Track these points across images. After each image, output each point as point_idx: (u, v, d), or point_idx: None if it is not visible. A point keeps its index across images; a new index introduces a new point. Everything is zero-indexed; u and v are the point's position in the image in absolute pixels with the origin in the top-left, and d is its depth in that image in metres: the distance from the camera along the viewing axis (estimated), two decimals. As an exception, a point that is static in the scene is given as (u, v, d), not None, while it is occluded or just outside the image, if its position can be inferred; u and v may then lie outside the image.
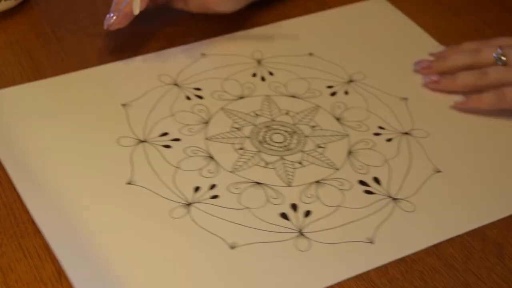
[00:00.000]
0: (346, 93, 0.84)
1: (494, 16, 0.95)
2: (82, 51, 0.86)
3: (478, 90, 0.80)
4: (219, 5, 0.84)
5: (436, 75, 0.83)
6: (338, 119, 0.80)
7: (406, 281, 0.66)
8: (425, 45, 0.90)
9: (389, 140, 0.79)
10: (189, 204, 0.71)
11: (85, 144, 0.75)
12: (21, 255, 0.66)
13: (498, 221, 0.71)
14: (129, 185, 0.72)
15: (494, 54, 0.81)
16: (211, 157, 0.75)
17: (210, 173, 0.73)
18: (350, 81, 0.85)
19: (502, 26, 0.92)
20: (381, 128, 0.80)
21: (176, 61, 0.85)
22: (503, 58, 0.81)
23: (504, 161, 0.77)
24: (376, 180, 0.74)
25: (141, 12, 0.81)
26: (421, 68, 0.84)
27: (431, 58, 0.86)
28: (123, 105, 0.80)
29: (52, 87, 0.81)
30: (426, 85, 0.83)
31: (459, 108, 0.80)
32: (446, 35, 0.91)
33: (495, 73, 0.80)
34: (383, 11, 0.95)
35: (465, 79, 0.81)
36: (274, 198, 0.72)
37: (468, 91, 0.81)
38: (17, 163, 0.73)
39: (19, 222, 0.69)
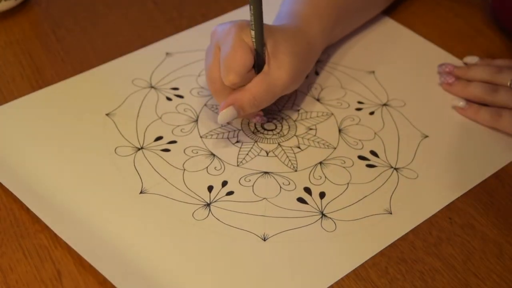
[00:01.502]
0: (317, 73, 0.85)
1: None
2: (82, 51, 0.85)
3: (484, 103, 0.81)
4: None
5: (452, 78, 0.84)
6: (318, 100, 0.82)
7: (406, 281, 0.67)
8: (385, 25, 0.93)
9: (371, 113, 0.81)
10: (208, 205, 0.71)
11: (84, 159, 0.74)
12: (21, 255, 0.66)
13: (498, 220, 0.72)
14: (143, 194, 0.71)
15: (511, 79, 0.81)
16: (213, 154, 0.75)
17: (217, 170, 0.74)
18: (318, 61, 0.87)
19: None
20: (360, 102, 0.82)
21: (143, 63, 0.84)
22: None
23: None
24: (373, 153, 0.77)
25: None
26: (443, 70, 0.85)
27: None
28: (107, 114, 0.78)
29: (31, 104, 0.79)
30: (440, 84, 0.84)
31: (458, 112, 0.81)
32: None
33: (503, 94, 0.80)
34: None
35: (476, 90, 0.81)
36: (287, 185, 0.73)
37: (476, 101, 0.82)
38: (23, 187, 0.70)
39: (19, 222, 0.68)
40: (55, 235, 0.67)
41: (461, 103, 0.81)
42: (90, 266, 0.65)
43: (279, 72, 0.73)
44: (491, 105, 0.80)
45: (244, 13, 0.91)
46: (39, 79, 0.82)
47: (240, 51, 0.71)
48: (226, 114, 0.72)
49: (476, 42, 0.91)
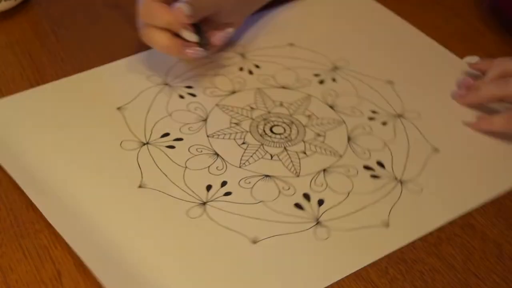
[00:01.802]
0: (334, 80, 0.85)
1: None
2: (82, 51, 0.85)
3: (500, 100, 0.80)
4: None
5: (464, 89, 0.82)
6: (331, 107, 0.81)
7: (406, 281, 0.66)
8: (404, 32, 0.92)
9: (384, 123, 0.80)
10: (204, 203, 0.71)
11: (89, 150, 0.74)
12: (21, 255, 0.66)
13: (498, 220, 0.72)
14: (141, 188, 0.71)
15: None
16: (217, 154, 0.75)
17: (219, 170, 0.74)
18: (335, 68, 0.86)
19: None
20: (374, 112, 0.81)
21: (161, 61, 0.84)
22: None
23: (499, 134, 0.80)
24: (380, 164, 0.76)
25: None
26: (463, 85, 0.83)
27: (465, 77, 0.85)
28: (119, 108, 0.79)
29: (44, 95, 0.80)
30: (454, 98, 0.83)
31: (472, 128, 0.80)
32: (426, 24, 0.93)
33: None
34: (359, 2, 0.96)
35: (488, 90, 0.79)
36: (286, 190, 0.72)
37: (491, 102, 0.81)
38: (26, 175, 0.72)
39: (19, 222, 0.68)
40: (55, 235, 0.67)
41: (461, 92, 0.81)
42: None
43: None
44: (506, 101, 0.79)
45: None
46: (39, 79, 0.82)
47: None
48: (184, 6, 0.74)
49: (477, 42, 0.91)
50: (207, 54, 0.79)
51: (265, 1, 0.87)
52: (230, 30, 0.80)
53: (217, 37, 0.79)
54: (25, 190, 0.70)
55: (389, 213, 0.71)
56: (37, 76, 0.82)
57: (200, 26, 0.78)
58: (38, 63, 0.84)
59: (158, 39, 0.76)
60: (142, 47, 0.84)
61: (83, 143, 0.75)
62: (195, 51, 0.78)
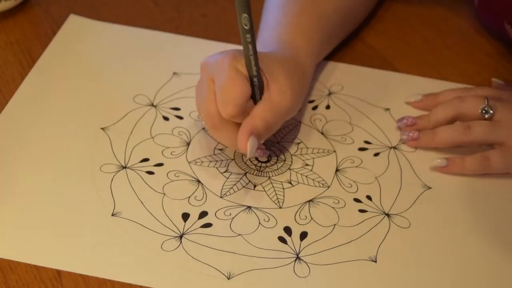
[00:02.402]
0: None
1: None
2: None
3: (460, 145, 0.75)
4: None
5: (415, 131, 0.76)
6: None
7: None
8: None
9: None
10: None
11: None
12: None
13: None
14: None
15: (481, 106, 0.74)
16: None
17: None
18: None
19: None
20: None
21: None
22: (490, 111, 0.74)
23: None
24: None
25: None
26: (404, 125, 0.77)
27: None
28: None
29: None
30: (404, 142, 0.77)
31: (441, 172, 0.75)
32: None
33: (480, 129, 0.73)
34: None
35: (447, 135, 0.75)
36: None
37: (450, 147, 0.76)
38: None
39: None
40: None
41: (441, 161, 0.75)
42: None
43: (281, 96, 0.70)
44: (468, 146, 0.75)
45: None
46: None
47: (237, 81, 0.68)
48: (251, 144, 0.69)
49: (477, 42, 0.90)
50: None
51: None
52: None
53: (259, 152, 0.76)
54: None
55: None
56: (37, 76, 0.81)
57: None
58: None
59: (228, 134, 0.71)
60: None
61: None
62: (263, 152, 0.75)
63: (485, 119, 0.74)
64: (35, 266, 0.65)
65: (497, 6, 0.86)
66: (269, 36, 0.78)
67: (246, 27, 0.67)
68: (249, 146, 0.68)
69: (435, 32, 0.91)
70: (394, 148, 0.77)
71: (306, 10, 0.81)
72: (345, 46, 0.88)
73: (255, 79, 0.70)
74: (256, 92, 0.70)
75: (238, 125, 0.70)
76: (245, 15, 0.66)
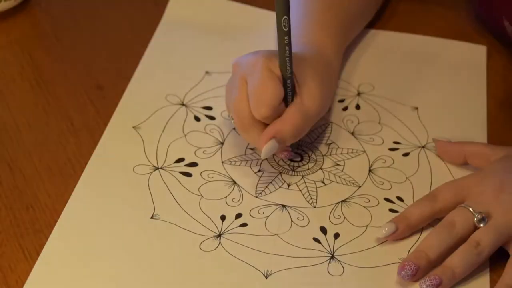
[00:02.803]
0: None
1: None
2: (82, 51, 0.85)
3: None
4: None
5: (436, 277, 0.65)
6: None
7: None
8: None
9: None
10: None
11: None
12: (21, 255, 0.66)
13: None
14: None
15: (473, 219, 0.68)
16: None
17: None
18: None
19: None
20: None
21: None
22: (485, 217, 0.68)
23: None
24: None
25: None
26: (409, 276, 0.66)
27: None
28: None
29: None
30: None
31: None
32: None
33: (487, 240, 0.67)
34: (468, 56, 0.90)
35: (463, 262, 0.66)
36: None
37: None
38: None
39: (19, 222, 0.68)
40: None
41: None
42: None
43: (311, 101, 0.71)
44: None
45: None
46: (39, 79, 0.81)
47: (271, 82, 0.69)
48: (270, 147, 0.70)
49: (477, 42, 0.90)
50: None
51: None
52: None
53: (285, 154, 0.74)
54: None
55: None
56: (37, 76, 0.82)
57: None
58: (38, 63, 0.83)
59: (258, 134, 0.71)
60: (142, 48, 0.84)
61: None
62: (289, 154, 0.74)
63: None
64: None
65: (496, 1, 0.87)
66: (294, 36, 0.78)
67: (285, 29, 0.67)
68: (265, 147, 0.69)
69: (435, 32, 0.91)
70: (424, 147, 0.78)
71: (327, 6, 0.81)
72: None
73: (288, 81, 0.70)
74: (288, 94, 0.71)
75: (267, 126, 0.71)
76: (285, 17, 0.67)
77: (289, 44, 0.68)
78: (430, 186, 0.74)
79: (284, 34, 0.68)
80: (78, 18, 0.90)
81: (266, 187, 0.73)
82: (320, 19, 0.81)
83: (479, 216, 0.68)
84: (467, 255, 0.66)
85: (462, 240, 0.67)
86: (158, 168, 0.73)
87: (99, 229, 0.68)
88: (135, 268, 0.66)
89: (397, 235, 0.69)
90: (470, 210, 0.68)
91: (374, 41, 0.89)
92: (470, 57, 0.88)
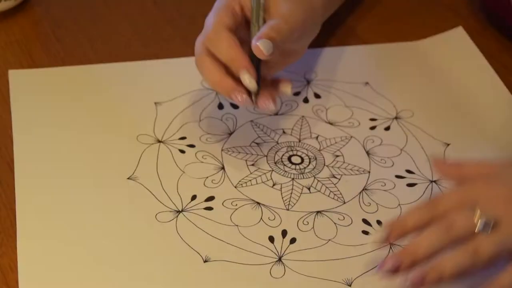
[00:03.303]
0: (387, 128, 0.80)
1: None
2: (82, 51, 0.86)
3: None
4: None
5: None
6: (330, 123, 0.78)
7: None
8: (493, 91, 0.84)
9: (387, 128, 0.78)
10: (178, 212, 0.70)
11: (103, 135, 0.76)
12: None
13: None
14: (130, 180, 0.72)
15: (479, 226, 0.61)
16: (222, 167, 0.74)
17: (214, 183, 0.72)
18: (396, 117, 0.81)
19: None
20: (372, 120, 0.78)
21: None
22: (491, 222, 0.62)
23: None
24: (379, 222, 0.71)
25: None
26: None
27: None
28: (156, 103, 0.80)
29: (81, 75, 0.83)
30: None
31: None
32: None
33: (487, 250, 0.61)
34: (457, 45, 0.89)
35: (455, 265, 0.61)
36: (271, 220, 0.70)
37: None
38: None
39: None
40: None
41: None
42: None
43: (280, 14, 0.72)
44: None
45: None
46: None
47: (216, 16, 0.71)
48: (264, 44, 0.69)
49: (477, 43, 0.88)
50: (253, 106, 0.72)
51: (317, 31, 0.81)
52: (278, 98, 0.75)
53: (264, 102, 0.71)
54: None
55: (359, 273, 0.67)
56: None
57: (260, 72, 0.71)
58: (38, 63, 0.84)
59: (211, 71, 0.71)
60: (142, 48, 0.85)
61: (101, 128, 0.77)
62: (243, 100, 0.70)
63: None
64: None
65: None
66: None
67: None
68: (261, 45, 0.69)
69: (435, 32, 0.89)
70: (397, 118, 0.78)
71: None
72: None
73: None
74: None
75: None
76: None
77: None
78: (424, 152, 0.77)
79: None
80: (78, 18, 0.90)
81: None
82: None
83: (483, 221, 0.61)
84: (460, 260, 0.61)
85: (459, 242, 0.62)
86: (180, 212, 0.71)
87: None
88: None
89: (388, 241, 0.65)
90: (476, 213, 0.61)
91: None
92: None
